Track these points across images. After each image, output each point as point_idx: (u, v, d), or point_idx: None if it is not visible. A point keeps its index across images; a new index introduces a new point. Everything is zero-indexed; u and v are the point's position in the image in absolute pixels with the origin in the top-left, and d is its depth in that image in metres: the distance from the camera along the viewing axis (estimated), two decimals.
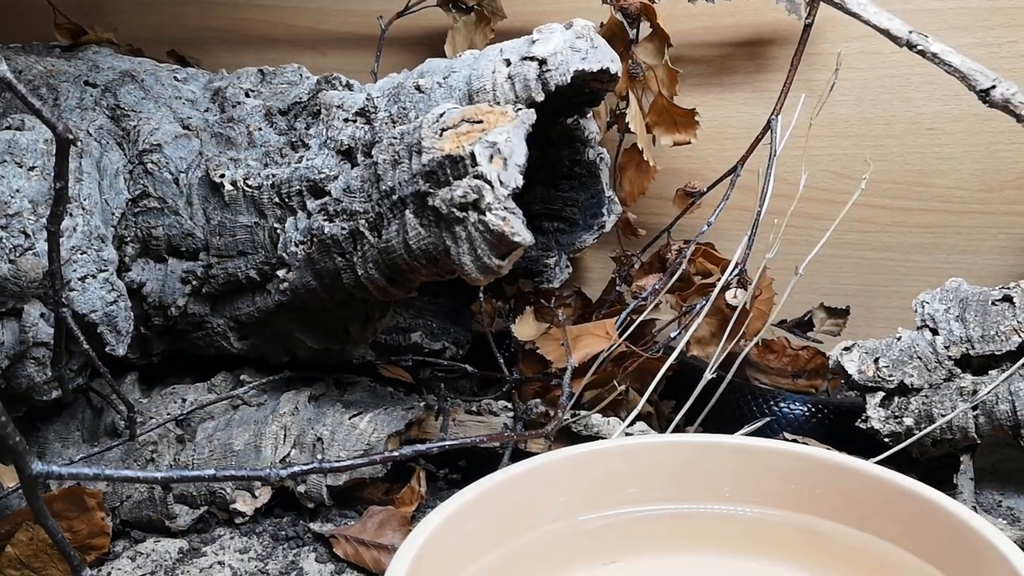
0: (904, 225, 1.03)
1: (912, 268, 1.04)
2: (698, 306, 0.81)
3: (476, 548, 0.58)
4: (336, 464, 0.60)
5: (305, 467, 0.58)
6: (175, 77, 0.85)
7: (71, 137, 0.52)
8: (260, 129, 0.78)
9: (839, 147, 1.03)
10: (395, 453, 0.63)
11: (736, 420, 0.86)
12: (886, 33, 0.69)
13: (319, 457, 0.72)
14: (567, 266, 0.88)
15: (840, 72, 1.00)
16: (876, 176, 1.02)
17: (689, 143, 0.97)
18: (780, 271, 0.88)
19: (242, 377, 0.80)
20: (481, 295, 0.89)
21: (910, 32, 0.69)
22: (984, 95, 0.68)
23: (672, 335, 0.82)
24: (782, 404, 0.88)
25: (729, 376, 0.80)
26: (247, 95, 0.81)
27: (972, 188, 1.00)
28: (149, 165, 0.77)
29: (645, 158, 0.94)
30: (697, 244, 0.91)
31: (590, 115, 0.83)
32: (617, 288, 0.95)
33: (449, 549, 0.55)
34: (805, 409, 0.87)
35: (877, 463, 0.74)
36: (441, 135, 0.64)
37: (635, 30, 0.94)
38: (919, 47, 0.69)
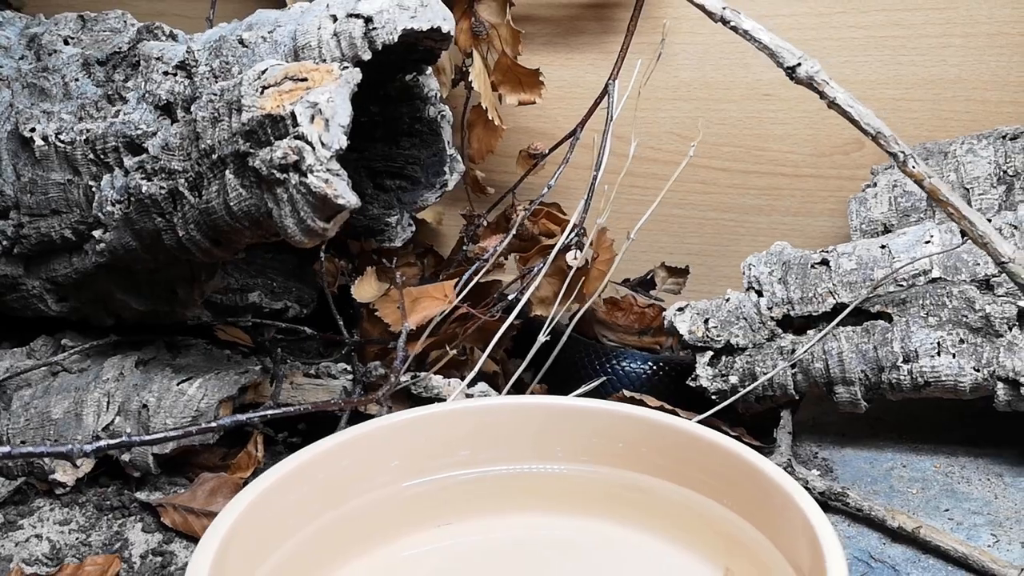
0: (743, 187, 1.03)
1: (750, 229, 1.04)
2: (537, 267, 0.78)
3: (302, 515, 0.56)
4: (152, 436, 0.56)
5: (115, 441, 0.54)
6: None
7: None
8: (77, 80, 0.71)
9: (681, 110, 1.01)
10: (217, 422, 0.58)
11: (579, 377, 0.85)
12: (701, 8, 0.68)
13: (148, 428, 0.68)
14: (410, 224, 0.84)
15: (684, 38, 0.99)
16: (717, 139, 1.02)
17: (534, 103, 0.94)
18: (623, 231, 0.87)
19: (63, 341, 0.74)
20: (322, 253, 0.85)
21: (723, 8, 0.68)
22: (791, 72, 0.68)
23: (513, 295, 0.80)
24: (623, 362, 0.87)
25: (565, 336, 0.78)
26: (66, 43, 0.74)
27: (805, 153, 1.01)
28: None
29: (491, 117, 0.90)
30: (541, 205, 0.89)
31: (430, 72, 0.79)
32: (464, 248, 0.91)
33: (272, 516, 0.54)
34: (645, 367, 0.87)
35: (703, 420, 0.75)
36: (262, 93, 0.59)
37: None
38: (732, 23, 0.68)
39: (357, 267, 0.91)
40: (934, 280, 0.73)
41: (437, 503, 0.61)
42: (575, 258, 0.79)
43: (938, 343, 0.72)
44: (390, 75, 0.76)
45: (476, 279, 0.77)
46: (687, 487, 0.59)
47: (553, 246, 0.82)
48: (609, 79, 0.85)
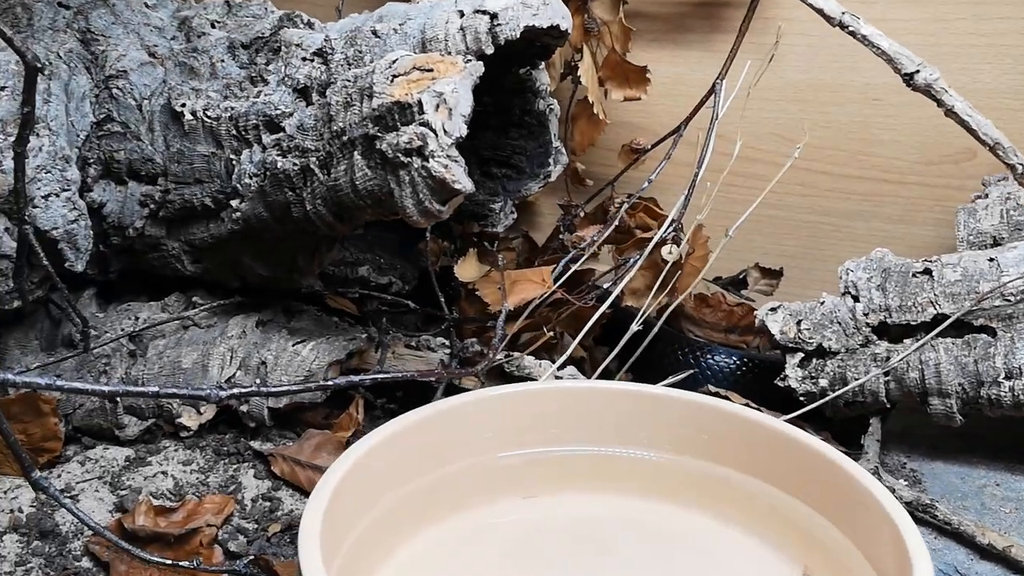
0: (844, 192, 1.09)
1: (848, 234, 1.11)
2: (633, 259, 0.88)
3: (401, 475, 0.64)
4: (274, 389, 0.67)
5: (245, 390, 0.65)
6: (145, 3, 0.90)
7: (39, 65, 0.58)
8: (223, 61, 0.83)
9: (786, 111, 1.09)
10: (330, 382, 0.69)
11: (665, 368, 0.92)
12: (820, 12, 0.75)
13: (265, 382, 0.79)
14: (512, 212, 0.94)
15: (792, 39, 1.06)
16: (820, 142, 1.08)
17: (639, 99, 1.03)
18: (720, 229, 0.94)
19: (194, 299, 0.87)
20: (428, 234, 0.95)
21: (843, 13, 0.75)
22: (908, 79, 0.73)
23: (606, 285, 0.89)
24: (709, 356, 0.95)
25: (656, 328, 0.87)
26: (213, 26, 0.87)
27: (911, 160, 1.06)
28: (114, 90, 0.83)
29: (596, 111, 1.00)
30: (639, 199, 0.98)
31: (542, 67, 0.89)
32: (560, 236, 1.01)
33: (376, 474, 0.61)
34: (731, 362, 0.94)
35: (790, 420, 0.80)
36: (392, 81, 0.70)
37: None
38: (850, 28, 0.75)
39: (459, 248, 1.01)
40: None
41: (525, 476, 0.68)
42: (670, 252, 0.88)
43: None
44: (506, 68, 0.87)
45: (574, 267, 0.86)
46: (770, 483, 0.64)
47: (649, 239, 0.91)
48: (717, 78, 0.93)
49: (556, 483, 0.69)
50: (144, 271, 0.89)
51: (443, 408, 0.67)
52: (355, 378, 0.68)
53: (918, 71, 0.73)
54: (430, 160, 0.67)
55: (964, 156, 1.04)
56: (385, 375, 0.70)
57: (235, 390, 0.61)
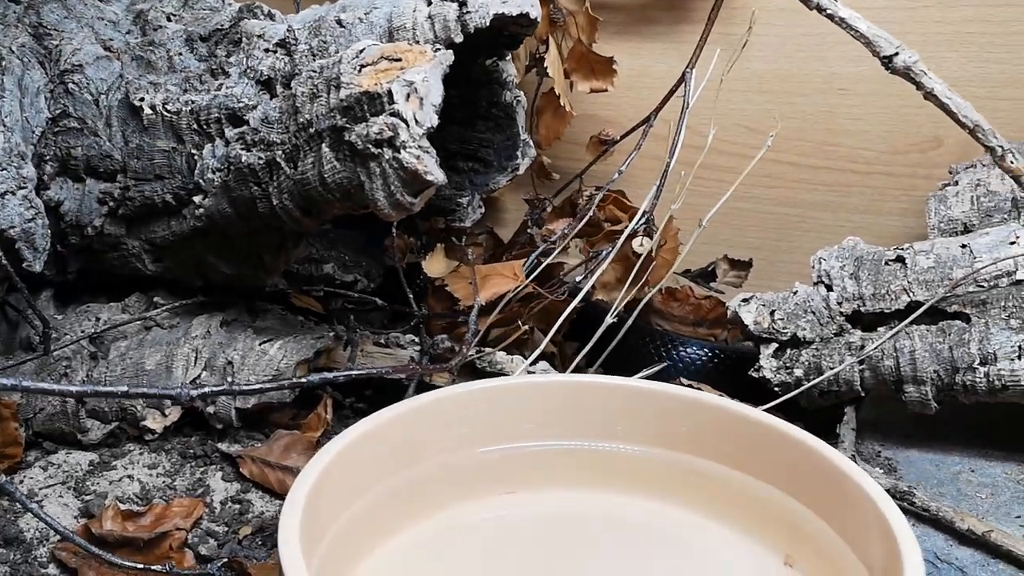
0: (810, 182, 1.11)
1: (815, 225, 1.12)
2: (604, 252, 0.88)
3: (378, 472, 0.64)
4: (245, 387, 0.66)
5: (216, 388, 0.64)
6: None
7: None
8: (181, 54, 0.82)
9: (753, 102, 1.10)
10: (303, 380, 0.69)
11: (637, 362, 0.92)
12: None
13: (229, 380, 0.78)
14: (480, 206, 0.94)
15: (758, 28, 1.06)
16: (786, 133, 1.09)
17: (606, 91, 1.03)
18: (687, 221, 0.95)
19: (156, 299, 0.85)
20: (393, 230, 0.95)
21: None
22: (887, 61, 0.74)
23: (578, 279, 0.89)
24: (681, 349, 0.95)
25: (630, 321, 0.87)
26: (168, 19, 0.86)
27: (878, 150, 1.07)
28: (70, 85, 0.81)
29: (562, 103, 1.00)
30: (608, 191, 0.98)
31: (509, 58, 0.89)
32: (528, 230, 1.01)
33: (352, 472, 0.61)
34: (702, 354, 0.94)
35: (765, 411, 0.80)
36: (360, 71, 0.69)
37: None
38: (828, 11, 0.76)
39: (425, 244, 1.01)
40: (1018, 282, 0.76)
41: (504, 472, 0.68)
42: (641, 245, 0.88)
43: (1019, 346, 0.75)
44: (472, 59, 0.86)
45: (546, 261, 0.86)
46: (752, 474, 0.64)
47: (618, 232, 0.91)
48: (687, 67, 0.93)
49: (536, 479, 0.69)
50: (103, 271, 0.88)
51: (419, 405, 0.67)
52: (328, 375, 0.67)
53: (897, 54, 0.74)
54: (401, 151, 0.66)
55: (930, 145, 1.05)
56: (359, 372, 0.69)
57: (205, 389, 0.60)
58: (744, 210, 1.12)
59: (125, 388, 0.61)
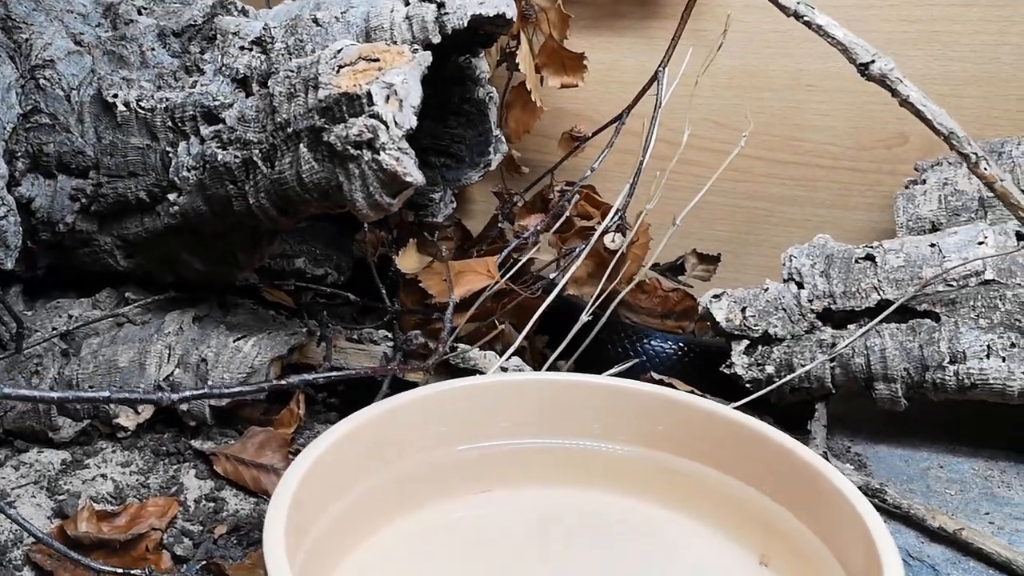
0: (777, 177, 1.13)
1: (782, 219, 1.14)
2: (577, 249, 0.89)
3: (358, 472, 0.64)
4: (225, 390, 0.67)
5: (196, 392, 0.65)
6: None
7: None
8: (153, 50, 0.82)
9: (721, 97, 1.11)
10: (282, 382, 0.69)
11: (606, 356, 0.93)
12: (775, 2, 0.77)
13: (206, 380, 0.79)
14: (452, 201, 0.95)
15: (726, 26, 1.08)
16: (754, 128, 1.10)
17: (576, 86, 1.04)
18: (656, 214, 0.96)
19: (127, 294, 0.85)
20: (365, 224, 0.96)
21: (797, 3, 0.77)
22: (863, 69, 0.76)
23: (552, 275, 0.90)
24: (649, 342, 0.96)
25: (604, 319, 0.88)
26: (139, 12, 0.86)
27: (844, 145, 1.10)
28: (41, 81, 0.81)
29: (533, 99, 1.01)
30: (580, 187, 0.99)
31: (482, 54, 0.90)
32: (499, 225, 1.02)
33: (333, 473, 0.62)
34: (672, 348, 0.96)
35: (738, 407, 0.80)
36: (338, 72, 0.70)
37: None
38: (805, 18, 0.77)
39: (396, 239, 1.02)
40: (987, 282, 0.79)
41: (482, 470, 0.70)
42: (613, 241, 0.90)
43: (988, 345, 0.77)
44: (445, 56, 0.87)
45: (521, 260, 0.87)
46: (728, 473, 0.66)
47: (589, 227, 0.93)
48: (660, 66, 0.94)
49: (513, 477, 0.71)
50: (73, 267, 0.87)
51: (398, 404, 0.68)
52: (307, 376, 0.68)
53: (873, 61, 0.75)
54: (381, 153, 0.67)
55: (896, 141, 1.08)
56: (338, 373, 0.70)
57: (186, 393, 0.61)
58: (712, 203, 1.13)
59: (107, 394, 0.61)
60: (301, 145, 0.71)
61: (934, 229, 0.90)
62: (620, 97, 1.09)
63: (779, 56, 1.09)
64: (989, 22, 1.02)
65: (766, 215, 1.15)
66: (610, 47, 1.13)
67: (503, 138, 0.93)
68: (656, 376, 0.92)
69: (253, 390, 0.66)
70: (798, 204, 1.13)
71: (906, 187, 0.96)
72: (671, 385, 0.88)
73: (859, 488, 0.73)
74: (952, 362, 0.78)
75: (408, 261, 0.92)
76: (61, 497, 0.75)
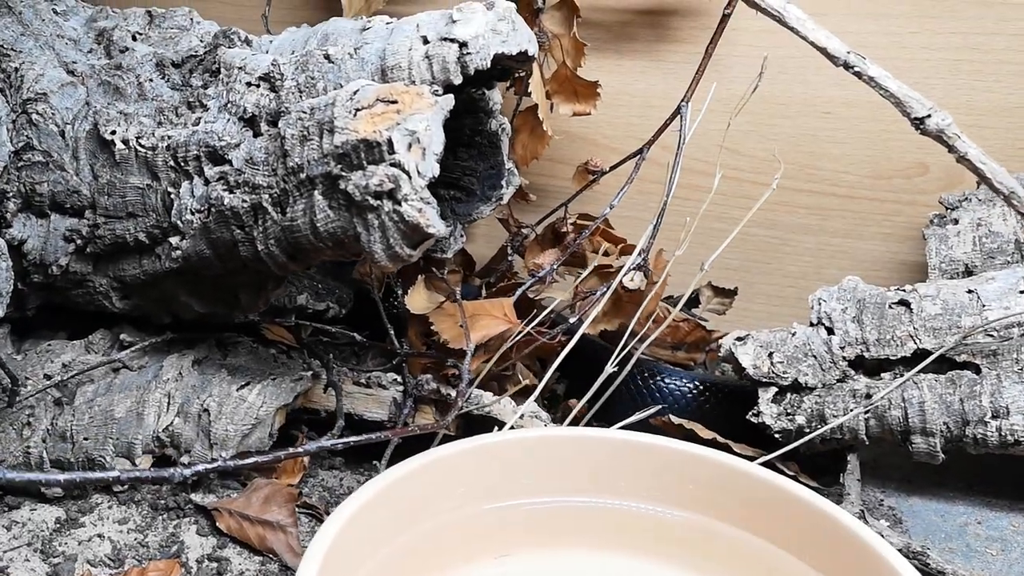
0: (791, 205, 1.11)
1: (795, 248, 1.12)
2: (598, 292, 0.86)
3: (383, 535, 0.62)
4: (240, 462, 0.63)
5: (210, 465, 0.62)
6: (54, 10, 0.84)
7: None
8: (151, 80, 0.78)
9: (733, 124, 1.08)
10: (299, 449, 0.66)
11: (620, 394, 0.89)
12: (824, 52, 0.74)
13: (208, 432, 0.75)
14: (462, 235, 0.91)
15: (740, 49, 1.06)
16: (767, 155, 1.09)
17: (589, 114, 1.01)
18: (663, 242, 0.93)
19: (122, 337, 0.81)
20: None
21: (848, 53, 0.74)
22: (919, 123, 0.73)
23: (571, 320, 0.87)
24: (667, 380, 0.93)
25: (628, 368, 0.84)
26: (135, 39, 0.81)
27: (861, 174, 1.08)
28: (34, 116, 0.77)
29: (544, 128, 0.98)
30: (591, 220, 0.96)
31: (495, 86, 0.86)
32: (508, 258, 0.99)
33: (358, 537, 0.59)
34: (691, 387, 0.92)
35: (770, 461, 0.79)
36: (355, 115, 0.66)
37: None
38: (856, 68, 0.74)
39: (401, 273, 0.98)
40: None
41: (498, 532, 0.67)
42: (632, 280, 0.87)
43: None
44: (459, 89, 0.84)
45: (545, 312, 0.83)
46: (762, 537, 0.63)
47: (607, 265, 0.90)
48: (683, 101, 0.91)
49: (528, 539, 0.68)
50: (65, 307, 0.83)
51: (423, 462, 0.64)
52: (325, 443, 0.65)
53: (929, 116, 0.73)
54: (403, 204, 0.64)
55: (916, 171, 1.06)
56: (356, 438, 0.66)
57: (200, 467, 0.57)
58: (722, 232, 1.09)
59: (117, 474, 0.58)
60: (316, 192, 0.67)
61: (968, 272, 0.88)
62: (628, 121, 1.06)
63: (794, 83, 1.07)
64: (1014, 51, 1.01)
65: (779, 244, 1.12)
66: (619, 70, 1.10)
67: (516, 171, 0.90)
68: (675, 420, 0.88)
69: (269, 460, 0.62)
70: (812, 233, 1.11)
71: (932, 221, 0.94)
72: (691, 431, 0.86)
73: (900, 551, 0.72)
74: (994, 417, 0.76)
75: (418, 300, 0.89)
76: (56, 560, 0.71)
